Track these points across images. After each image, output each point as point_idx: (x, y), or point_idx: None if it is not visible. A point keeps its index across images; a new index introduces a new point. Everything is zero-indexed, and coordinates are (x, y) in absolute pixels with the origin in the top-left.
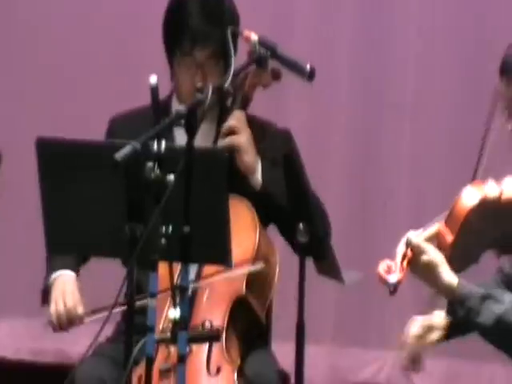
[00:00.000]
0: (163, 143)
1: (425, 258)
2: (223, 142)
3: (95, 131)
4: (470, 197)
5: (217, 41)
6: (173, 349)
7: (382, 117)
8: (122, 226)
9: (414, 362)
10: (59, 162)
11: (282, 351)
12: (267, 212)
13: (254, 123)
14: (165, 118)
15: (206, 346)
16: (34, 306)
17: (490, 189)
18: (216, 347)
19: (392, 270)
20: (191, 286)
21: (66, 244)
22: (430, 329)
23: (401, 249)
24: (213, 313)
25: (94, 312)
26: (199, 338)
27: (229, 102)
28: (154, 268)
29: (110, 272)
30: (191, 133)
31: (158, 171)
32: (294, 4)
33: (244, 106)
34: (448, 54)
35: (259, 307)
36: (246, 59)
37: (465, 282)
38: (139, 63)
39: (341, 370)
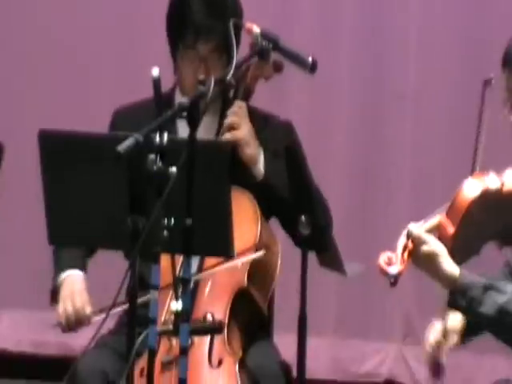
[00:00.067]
0: (165, 135)
1: (425, 248)
2: (224, 139)
3: (99, 123)
4: (472, 189)
5: (220, 34)
6: (175, 341)
7: (384, 108)
8: (124, 219)
9: (436, 369)
10: (61, 154)
11: (284, 343)
12: (269, 204)
13: (255, 115)
14: (167, 111)
15: (207, 338)
16: (34, 298)
17: (492, 181)
18: (218, 339)
19: (393, 261)
20: (193, 279)
21: (68, 236)
22: (447, 334)
23: (402, 241)
24: (215, 305)
25: (101, 311)
26: (201, 331)
27: (231, 94)
28: (156, 260)
29: (113, 264)
30: (193, 125)
31: (160, 163)
32: None
33: (246, 98)
34: (449, 42)
35: (261, 299)
36: (248, 51)
37: (466, 272)
38: (144, 55)
39: (342, 362)
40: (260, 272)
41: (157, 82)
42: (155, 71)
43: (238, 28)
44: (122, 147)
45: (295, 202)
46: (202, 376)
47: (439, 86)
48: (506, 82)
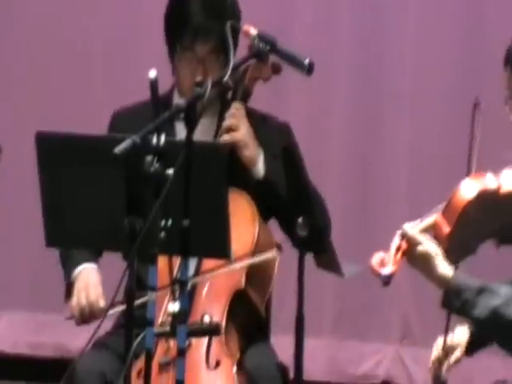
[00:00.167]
0: (163, 137)
1: (420, 248)
2: (222, 141)
3: (98, 125)
4: (469, 189)
5: (218, 35)
6: (172, 342)
7: (382, 109)
8: (122, 220)
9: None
10: (58, 155)
11: (282, 344)
12: (267, 205)
13: (253, 116)
14: (165, 112)
15: (205, 340)
16: (31, 300)
17: (489, 181)
18: (215, 341)
19: (385, 262)
20: (191, 282)
21: (66, 237)
22: (451, 349)
23: (395, 241)
24: (212, 306)
25: (114, 305)
26: (199, 332)
27: (229, 95)
28: (154, 261)
29: (111, 265)
30: (190, 126)
31: (157, 165)
32: None
33: (244, 99)
34: (446, 42)
35: (259, 300)
36: (246, 53)
37: (461, 273)
38: (143, 57)
39: (340, 363)
40: (258, 274)
41: (154, 84)
42: (152, 73)
43: (236, 30)
44: (119, 149)
45: (293, 204)
46: (199, 377)
47: (437, 86)
48: (508, 81)
